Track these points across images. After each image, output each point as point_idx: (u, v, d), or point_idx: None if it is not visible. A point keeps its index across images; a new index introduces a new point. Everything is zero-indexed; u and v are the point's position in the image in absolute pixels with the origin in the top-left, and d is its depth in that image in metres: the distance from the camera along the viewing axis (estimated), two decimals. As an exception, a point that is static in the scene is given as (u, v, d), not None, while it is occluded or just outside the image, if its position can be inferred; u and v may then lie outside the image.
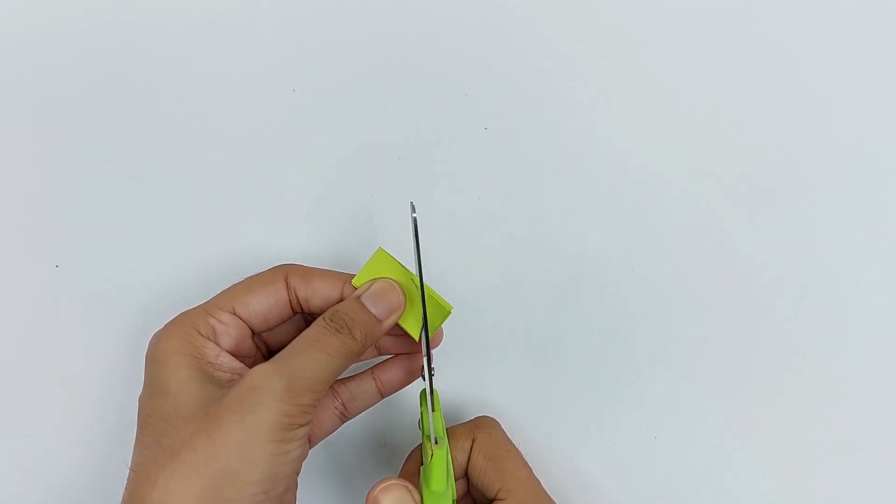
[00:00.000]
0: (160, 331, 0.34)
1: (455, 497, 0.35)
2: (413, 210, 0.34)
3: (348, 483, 0.43)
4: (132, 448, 0.32)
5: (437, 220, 0.44)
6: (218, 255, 0.44)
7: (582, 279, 0.44)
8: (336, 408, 0.37)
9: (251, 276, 0.36)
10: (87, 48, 0.45)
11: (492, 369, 0.43)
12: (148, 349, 0.33)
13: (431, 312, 0.35)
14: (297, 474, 0.32)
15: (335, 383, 0.37)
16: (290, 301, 0.35)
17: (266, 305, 0.34)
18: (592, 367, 0.43)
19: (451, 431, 0.37)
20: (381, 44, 0.45)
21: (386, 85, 0.45)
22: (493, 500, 0.35)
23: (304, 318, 0.38)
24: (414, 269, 0.35)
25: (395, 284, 0.35)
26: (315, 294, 0.35)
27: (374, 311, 0.33)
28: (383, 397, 0.38)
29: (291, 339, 0.36)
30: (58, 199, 0.44)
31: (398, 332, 0.36)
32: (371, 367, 0.38)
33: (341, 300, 0.35)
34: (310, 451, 0.36)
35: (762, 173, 0.44)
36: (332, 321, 0.32)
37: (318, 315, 0.35)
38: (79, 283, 0.43)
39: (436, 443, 0.35)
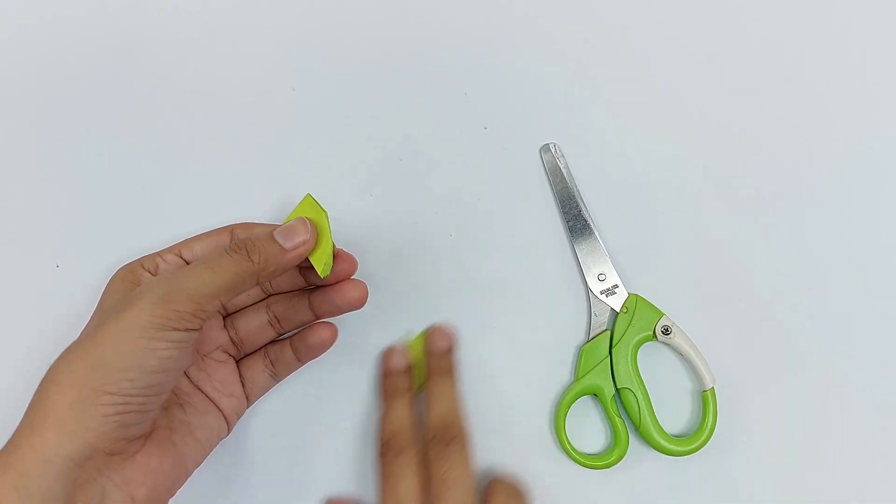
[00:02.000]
0: (117, 270, 0.39)
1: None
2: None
3: (346, 481, 0.43)
4: None
5: (436, 220, 0.44)
6: (218, 254, 0.44)
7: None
8: (266, 366, 0.41)
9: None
10: (87, 48, 0.45)
11: (492, 368, 0.44)
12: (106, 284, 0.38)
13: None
14: (174, 377, 0.34)
15: (268, 345, 0.41)
16: None
17: (208, 249, 0.39)
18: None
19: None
20: (381, 44, 0.45)
21: (386, 85, 0.45)
22: None
23: None
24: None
25: (307, 221, 0.37)
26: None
27: (280, 240, 0.36)
28: (301, 363, 0.41)
29: None
30: (58, 199, 0.44)
31: (305, 265, 0.39)
32: (290, 337, 0.41)
33: None
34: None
35: (764, 176, 0.44)
36: (233, 244, 0.36)
37: None
38: (79, 283, 0.43)
39: None
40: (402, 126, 0.44)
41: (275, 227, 0.38)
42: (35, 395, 0.32)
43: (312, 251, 0.37)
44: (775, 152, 0.45)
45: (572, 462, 0.41)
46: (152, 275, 0.38)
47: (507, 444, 0.42)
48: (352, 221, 0.44)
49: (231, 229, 0.40)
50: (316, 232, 0.37)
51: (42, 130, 0.44)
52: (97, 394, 0.31)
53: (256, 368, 0.40)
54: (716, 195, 0.44)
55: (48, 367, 0.33)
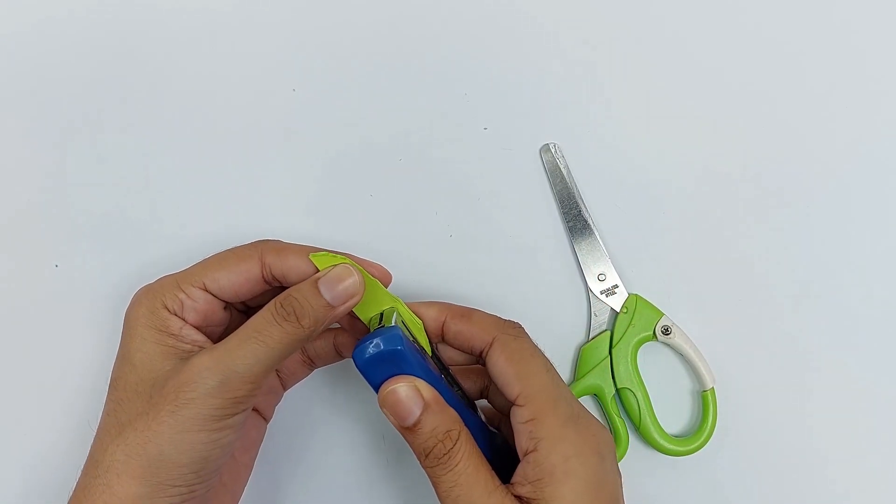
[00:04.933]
0: (136, 295, 0.35)
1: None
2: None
3: (348, 481, 0.43)
4: None
5: (436, 220, 0.44)
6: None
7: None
8: (304, 361, 0.39)
9: (229, 250, 0.36)
10: (87, 48, 0.45)
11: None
12: (126, 311, 0.35)
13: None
14: (230, 455, 0.34)
15: None
16: (263, 277, 0.36)
17: (237, 282, 0.35)
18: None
19: (475, 317, 0.36)
20: (381, 44, 0.45)
21: (386, 85, 0.45)
22: (513, 403, 0.34)
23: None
24: None
25: (353, 269, 0.34)
26: (290, 271, 0.35)
27: (328, 296, 0.33)
28: (343, 358, 0.39)
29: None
30: (58, 199, 0.44)
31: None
32: (333, 330, 0.39)
33: None
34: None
35: (764, 175, 0.44)
36: (281, 307, 0.33)
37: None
38: (79, 283, 0.43)
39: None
40: (402, 126, 0.44)
41: (311, 250, 0.35)
42: (89, 479, 0.32)
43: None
44: (775, 152, 0.45)
45: None
46: (178, 316, 0.34)
47: (507, 444, 0.42)
48: (351, 222, 0.44)
49: (259, 255, 0.35)
50: (364, 284, 0.34)
51: (42, 130, 0.44)
52: (163, 487, 0.31)
53: (294, 366, 0.39)
54: (716, 195, 0.44)
55: (93, 449, 0.33)
